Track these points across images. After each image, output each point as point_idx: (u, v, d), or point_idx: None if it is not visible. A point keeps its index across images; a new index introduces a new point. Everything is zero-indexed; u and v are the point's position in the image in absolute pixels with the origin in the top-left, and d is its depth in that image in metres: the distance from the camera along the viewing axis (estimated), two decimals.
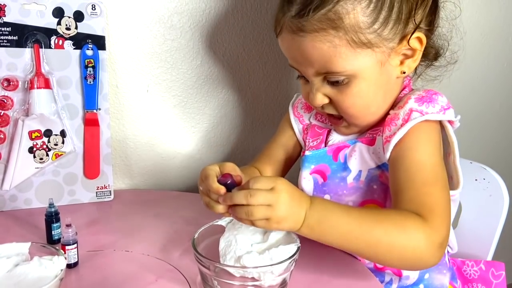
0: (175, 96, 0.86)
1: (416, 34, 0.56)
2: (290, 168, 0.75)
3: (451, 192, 0.58)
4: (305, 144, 0.69)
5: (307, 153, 0.65)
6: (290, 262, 0.52)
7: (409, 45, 0.56)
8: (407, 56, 0.58)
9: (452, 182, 0.60)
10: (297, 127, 0.72)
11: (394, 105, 0.61)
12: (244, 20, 0.86)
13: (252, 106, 0.92)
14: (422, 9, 0.56)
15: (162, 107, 0.86)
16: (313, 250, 0.64)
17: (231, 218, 0.58)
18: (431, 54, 0.63)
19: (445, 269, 0.64)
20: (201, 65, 0.86)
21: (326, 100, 0.59)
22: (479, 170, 0.69)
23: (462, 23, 0.63)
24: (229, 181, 0.51)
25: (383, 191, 0.61)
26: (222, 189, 0.50)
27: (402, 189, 0.54)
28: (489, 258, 0.69)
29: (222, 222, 0.58)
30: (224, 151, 0.92)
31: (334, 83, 0.57)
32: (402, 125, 0.57)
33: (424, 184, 0.53)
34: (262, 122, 0.93)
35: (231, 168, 0.54)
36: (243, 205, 0.48)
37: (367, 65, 0.55)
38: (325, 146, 0.66)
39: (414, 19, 0.55)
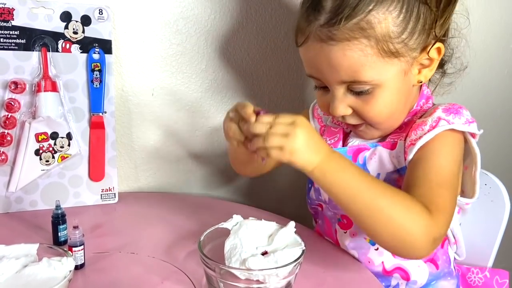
0: (180, 99, 0.87)
1: (437, 44, 0.58)
2: None
3: (466, 200, 0.60)
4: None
5: None
6: (295, 265, 0.52)
7: (428, 55, 0.58)
8: (424, 66, 0.59)
9: (466, 192, 0.62)
10: (314, 126, 0.73)
11: (420, 116, 0.63)
12: (248, 25, 0.86)
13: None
14: (443, 20, 0.57)
15: (167, 111, 0.87)
16: (318, 253, 0.65)
17: (236, 221, 0.59)
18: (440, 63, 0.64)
19: (450, 276, 0.64)
20: (206, 70, 0.86)
21: (349, 111, 0.60)
22: (480, 175, 0.70)
23: (464, 30, 0.64)
24: (262, 113, 0.53)
25: None
26: (254, 117, 0.52)
27: (415, 184, 0.55)
28: (490, 263, 0.69)
29: (228, 225, 0.58)
30: (227, 154, 0.92)
31: (358, 93, 0.58)
32: (429, 130, 0.58)
33: (438, 186, 0.54)
34: None
35: None
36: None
37: (393, 74, 0.56)
38: (343, 145, 0.67)
39: (435, 30, 0.56)
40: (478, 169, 0.60)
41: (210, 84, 0.88)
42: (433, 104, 0.65)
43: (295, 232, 0.56)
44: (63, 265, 0.50)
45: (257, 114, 0.53)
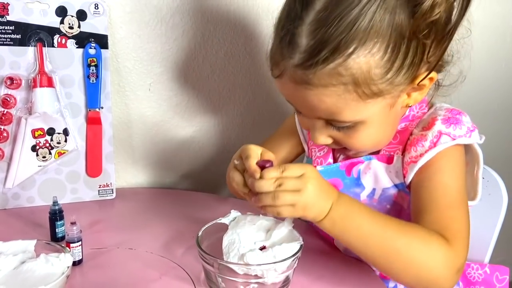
0: (177, 95, 0.86)
1: (429, 75, 0.53)
2: (292, 162, 0.75)
3: (469, 203, 0.57)
4: (308, 148, 0.68)
5: (318, 168, 0.62)
6: (293, 260, 0.52)
7: (418, 85, 0.53)
8: (414, 89, 0.55)
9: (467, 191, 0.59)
10: (301, 132, 0.71)
11: (415, 124, 0.59)
12: (246, 20, 0.86)
13: (253, 105, 0.92)
14: (437, 49, 0.51)
15: (164, 106, 0.86)
16: (316, 248, 0.65)
17: (234, 216, 0.59)
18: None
19: None
20: (203, 64, 0.86)
21: (330, 141, 0.56)
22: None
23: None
24: (267, 165, 0.49)
25: (397, 212, 0.60)
26: (258, 173, 0.48)
27: (425, 210, 0.52)
28: (488, 256, 0.69)
29: (225, 220, 0.58)
30: (226, 150, 0.92)
31: (340, 128, 0.54)
32: (430, 147, 0.55)
33: (448, 208, 0.52)
34: (263, 121, 0.94)
35: (272, 158, 0.52)
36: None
37: (376, 111, 0.52)
38: (333, 157, 0.64)
39: (428, 60, 0.51)
40: (481, 169, 0.59)
41: (207, 79, 0.87)
42: (430, 106, 0.61)
43: (293, 227, 0.56)
44: (61, 261, 0.50)
45: (262, 167, 0.49)
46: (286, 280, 0.54)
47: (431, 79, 0.53)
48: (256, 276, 0.52)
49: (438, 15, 0.47)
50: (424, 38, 0.48)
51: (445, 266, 0.48)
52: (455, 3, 0.49)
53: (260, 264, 0.51)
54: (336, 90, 0.49)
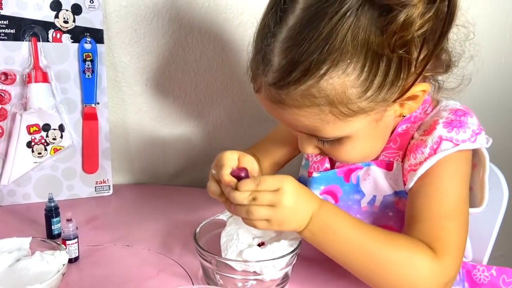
0: (175, 89, 0.85)
1: (420, 87, 0.49)
2: (288, 162, 0.74)
3: (473, 210, 0.55)
4: None
5: (315, 174, 0.60)
6: (292, 256, 0.52)
7: (407, 97, 0.49)
8: (408, 99, 0.50)
9: (474, 196, 0.57)
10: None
11: (416, 127, 0.56)
12: (243, 14, 0.85)
13: (251, 100, 0.91)
14: (427, 55, 0.46)
15: (162, 101, 0.85)
16: None
17: None
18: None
19: (455, 282, 0.60)
20: (200, 59, 0.85)
21: (318, 151, 0.54)
22: None
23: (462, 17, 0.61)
24: (242, 174, 0.48)
25: (400, 219, 0.57)
26: (233, 183, 0.47)
27: (418, 218, 0.50)
28: (488, 251, 0.68)
29: (224, 216, 0.58)
30: (223, 144, 0.92)
31: (324, 141, 0.52)
32: (430, 155, 0.52)
33: (443, 217, 0.49)
34: (261, 116, 0.93)
35: (250, 162, 0.51)
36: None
37: (361, 127, 0.49)
38: (330, 162, 0.62)
39: (416, 72, 0.47)
40: (487, 173, 0.56)
41: (204, 73, 0.86)
42: (435, 104, 0.58)
43: None
44: (56, 259, 0.50)
45: (237, 176, 0.47)
46: (285, 277, 0.54)
47: (423, 90, 0.50)
48: (254, 273, 0.51)
49: (414, 32, 0.43)
50: (406, 53, 0.45)
51: (430, 280, 0.46)
52: (441, 10, 0.44)
53: (258, 261, 0.50)
54: (311, 111, 0.47)
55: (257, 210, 0.46)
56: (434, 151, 0.52)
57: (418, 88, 0.49)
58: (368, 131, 0.50)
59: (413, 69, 0.46)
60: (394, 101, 0.48)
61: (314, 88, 0.45)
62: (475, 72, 0.56)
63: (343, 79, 0.45)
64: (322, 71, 0.44)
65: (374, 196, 0.58)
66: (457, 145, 0.52)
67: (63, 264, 0.49)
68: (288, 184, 0.46)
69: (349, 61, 0.44)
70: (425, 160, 0.52)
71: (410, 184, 0.53)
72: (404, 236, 0.49)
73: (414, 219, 0.50)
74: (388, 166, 0.57)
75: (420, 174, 0.52)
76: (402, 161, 0.55)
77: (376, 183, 0.58)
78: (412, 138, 0.56)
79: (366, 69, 0.45)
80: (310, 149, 0.54)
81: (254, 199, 0.46)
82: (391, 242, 0.47)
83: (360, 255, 0.47)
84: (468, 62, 0.55)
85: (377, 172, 0.57)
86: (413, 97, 0.50)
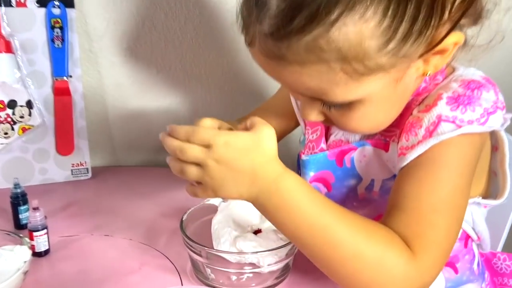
0: (158, 60, 0.79)
1: (452, 38, 0.41)
2: (285, 135, 0.66)
3: (491, 202, 0.49)
4: (305, 125, 0.59)
5: (303, 157, 0.53)
6: (294, 245, 0.47)
7: (437, 50, 0.42)
8: (435, 53, 0.42)
9: (496, 184, 0.50)
10: (296, 104, 0.61)
11: (420, 100, 0.48)
12: None
13: (244, 71, 0.85)
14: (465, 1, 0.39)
15: (144, 73, 0.80)
16: None
17: None
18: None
19: (473, 276, 0.56)
20: (185, 25, 0.78)
21: (322, 118, 0.47)
22: None
23: None
24: None
25: None
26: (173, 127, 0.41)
27: (403, 205, 0.43)
28: (501, 243, 0.65)
29: (215, 201, 0.54)
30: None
31: (331, 106, 0.45)
32: (424, 137, 0.44)
33: (432, 210, 0.42)
34: (255, 89, 0.86)
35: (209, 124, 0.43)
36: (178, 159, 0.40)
37: (377, 89, 0.42)
38: (326, 141, 0.55)
39: (451, 18, 0.40)
40: (507, 159, 0.49)
41: (191, 42, 0.80)
42: (450, 71, 0.49)
43: None
44: (16, 255, 0.44)
45: None
46: (286, 268, 0.49)
47: (455, 42, 0.42)
48: (250, 265, 0.47)
49: None
50: None
51: (401, 281, 0.40)
52: None
53: (255, 252, 0.46)
54: (318, 68, 0.39)
55: (188, 170, 0.39)
56: (430, 134, 0.44)
57: (450, 40, 0.41)
58: (385, 94, 0.43)
59: (446, 14, 0.39)
60: (420, 56, 0.41)
61: (323, 39, 0.37)
62: (510, 29, 0.47)
63: (359, 27, 0.36)
64: (333, 17, 0.36)
65: (372, 180, 0.52)
66: (460, 127, 0.43)
67: (25, 261, 0.43)
68: (222, 140, 0.39)
69: (368, 2, 0.36)
70: (417, 143, 0.44)
71: (399, 167, 0.45)
72: (381, 226, 0.42)
73: (396, 207, 0.43)
74: (385, 147, 0.50)
75: (409, 160, 0.44)
76: (398, 142, 0.48)
77: (373, 164, 0.51)
78: (412, 114, 0.48)
79: (390, 13, 0.36)
80: (313, 116, 0.46)
81: (180, 151, 0.39)
82: (362, 233, 0.40)
83: (320, 241, 0.40)
84: (504, 15, 0.46)
85: (374, 153, 0.50)
86: (441, 51, 0.42)
